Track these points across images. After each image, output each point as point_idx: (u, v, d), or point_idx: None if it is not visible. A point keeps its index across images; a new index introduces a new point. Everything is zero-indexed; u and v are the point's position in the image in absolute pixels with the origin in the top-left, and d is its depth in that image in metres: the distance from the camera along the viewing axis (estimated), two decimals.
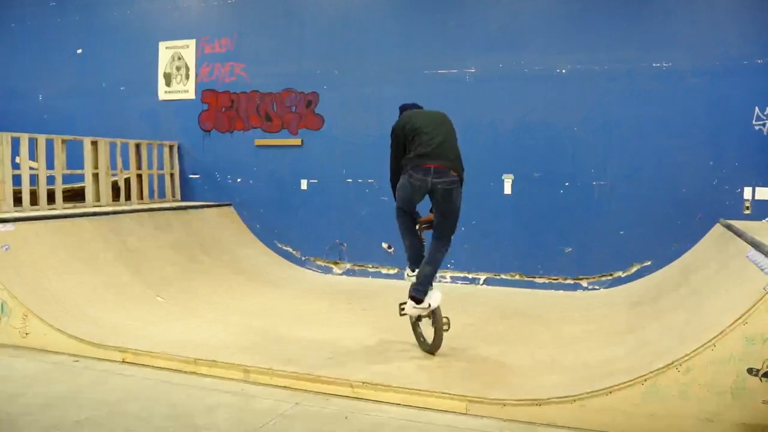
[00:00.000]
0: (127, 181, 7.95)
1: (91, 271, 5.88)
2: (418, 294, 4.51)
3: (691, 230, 6.60)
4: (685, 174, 6.76)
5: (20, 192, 6.48)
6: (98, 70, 9.28)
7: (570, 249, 7.19)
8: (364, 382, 4.03)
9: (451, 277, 7.62)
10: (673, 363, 3.40)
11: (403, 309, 4.72)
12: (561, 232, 7.20)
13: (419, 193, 4.51)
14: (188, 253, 7.22)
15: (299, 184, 8.37)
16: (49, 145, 6.90)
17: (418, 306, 4.50)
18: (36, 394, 4.00)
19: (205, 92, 8.76)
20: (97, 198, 7.41)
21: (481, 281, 7.53)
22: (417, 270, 4.65)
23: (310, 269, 8.25)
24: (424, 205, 4.69)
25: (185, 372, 4.43)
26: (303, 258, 8.34)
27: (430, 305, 4.51)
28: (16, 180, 6.49)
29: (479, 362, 4.50)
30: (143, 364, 4.57)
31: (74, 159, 7.35)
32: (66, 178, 7.20)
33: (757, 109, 6.49)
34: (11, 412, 3.73)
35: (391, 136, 4.70)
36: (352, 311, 6.19)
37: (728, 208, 6.57)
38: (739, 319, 3.29)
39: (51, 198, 6.83)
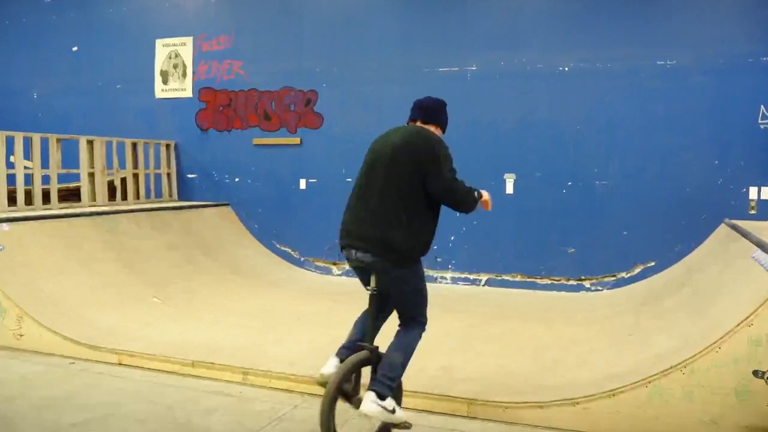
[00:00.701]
0: (124, 180, 7.90)
1: (87, 272, 5.84)
2: (381, 388, 3.09)
3: (695, 230, 6.54)
4: (690, 173, 6.70)
5: (15, 191, 6.45)
6: (94, 68, 9.21)
7: (572, 249, 7.13)
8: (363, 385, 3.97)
9: (452, 278, 7.56)
10: (677, 365, 3.38)
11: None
12: (563, 232, 7.14)
13: (366, 275, 3.42)
14: (186, 253, 7.17)
15: (298, 183, 8.30)
16: (44, 144, 6.85)
17: (380, 402, 3.05)
18: (32, 396, 3.96)
19: (203, 90, 8.69)
20: (93, 198, 7.35)
21: (483, 282, 7.46)
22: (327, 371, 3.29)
23: (309, 270, 8.19)
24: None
25: (182, 374, 4.39)
26: (302, 258, 8.28)
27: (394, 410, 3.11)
28: (11, 179, 6.45)
29: (481, 364, 4.44)
30: (140, 366, 4.52)
31: (70, 158, 7.30)
32: (61, 178, 7.14)
33: (762, 107, 6.44)
34: (7, 414, 3.69)
35: None
36: (351, 312, 6.10)
37: (733, 208, 6.52)
38: (744, 320, 3.27)
39: (46, 198, 6.78)
